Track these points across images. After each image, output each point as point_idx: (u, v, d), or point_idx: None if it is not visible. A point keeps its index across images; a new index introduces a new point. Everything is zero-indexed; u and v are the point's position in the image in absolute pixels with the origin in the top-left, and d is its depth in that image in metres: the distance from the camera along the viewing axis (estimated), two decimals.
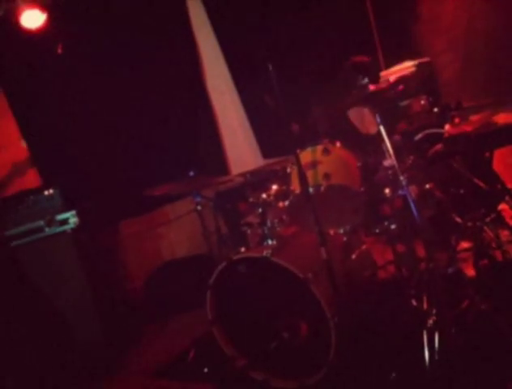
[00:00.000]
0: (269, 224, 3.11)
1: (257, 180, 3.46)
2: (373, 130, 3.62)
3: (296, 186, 3.03)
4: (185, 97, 4.79)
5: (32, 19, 4.13)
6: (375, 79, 3.58)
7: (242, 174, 3.65)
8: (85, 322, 3.70)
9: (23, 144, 4.50)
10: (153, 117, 4.74)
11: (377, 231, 3.12)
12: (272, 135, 4.03)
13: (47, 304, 3.72)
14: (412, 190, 2.86)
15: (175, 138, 4.74)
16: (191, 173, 3.90)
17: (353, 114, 3.64)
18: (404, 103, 4.02)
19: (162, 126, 4.75)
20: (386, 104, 3.26)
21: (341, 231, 3.12)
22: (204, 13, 4.96)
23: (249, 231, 3.35)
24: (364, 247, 3.22)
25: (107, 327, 3.80)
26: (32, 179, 4.59)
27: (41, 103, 4.55)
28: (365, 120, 3.66)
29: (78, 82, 4.58)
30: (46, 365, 3.55)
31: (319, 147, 3.07)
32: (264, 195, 3.21)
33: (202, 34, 4.99)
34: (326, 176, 2.94)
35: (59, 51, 4.24)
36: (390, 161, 2.74)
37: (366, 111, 3.43)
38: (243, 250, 3.11)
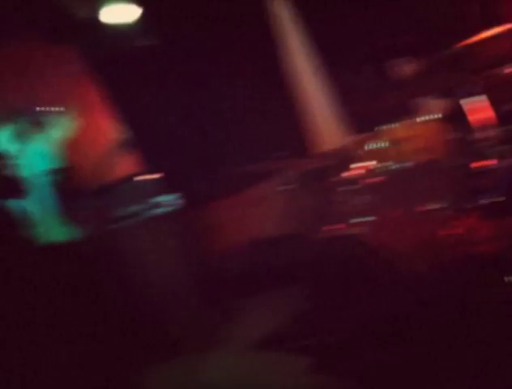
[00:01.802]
0: (358, 201, 3.15)
1: (343, 157, 3.49)
2: None
3: (385, 162, 3.03)
4: (268, 77, 4.84)
5: (120, 13, 4.37)
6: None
7: (328, 152, 3.69)
8: (186, 297, 3.93)
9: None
10: (237, 99, 4.85)
11: (473, 205, 3.04)
12: (358, 111, 4.01)
13: (145, 283, 3.99)
14: (508, 163, 2.78)
15: (260, 119, 4.82)
16: (277, 154, 4.00)
17: None
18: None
19: (246, 107, 4.85)
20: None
21: (435, 207, 3.08)
22: None
23: (338, 209, 3.38)
24: (458, 222, 3.16)
25: (203, 304, 4.01)
26: (131, 166, 4.90)
27: (133, 93, 4.81)
28: None
29: (165, 71, 4.79)
30: (146, 339, 3.85)
31: (408, 122, 3.04)
32: (351, 173, 3.24)
33: (283, 11, 5.00)
34: (417, 151, 2.92)
35: (150, 42, 4.44)
36: (486, 132, 2.67)
37: None
38: (333, 228, 3.16)
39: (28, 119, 4.21)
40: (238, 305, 4.37)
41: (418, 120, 3.14)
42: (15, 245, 3.34)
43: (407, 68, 3.64)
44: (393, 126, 3.13)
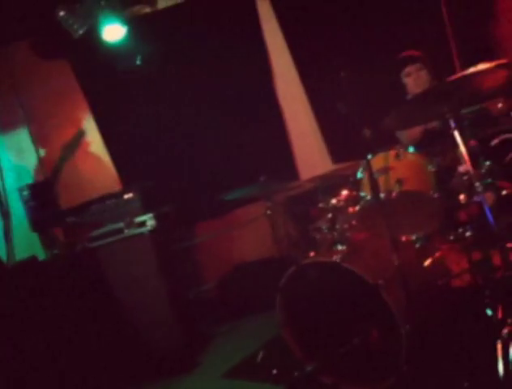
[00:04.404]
0: (339, 229, 3.12)
1: (327, 185, 3.48)
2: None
3: (367, 192, 3.02)
4: (256, 104, 4.88)
5: (113, 32, 4.39)
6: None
7: (312, 179, 3.68)
8: (160, 322, 3.86)
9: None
10: (225, 124, 4.88)
11: (452, 238, 3.03)
12: (343, 140, 4.02)
13: (123, 303, 3.92)
14: (489, 197, 2.78)
15: (247, 144, 4.84)
16: (262, 178, 3.98)
17: None
18: (479, 106, 3.90)
19: (234, 131, 4.87)
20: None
21: (414, 237, 3.08)
22: (275, 19, 5.03)
23: (318, 236, 3.36)
24: (438, 254, 3.15)
25: (181, 327, 3.94)
26: (113, 183, 4.88)
27: (122, 112, 4.83)
28: None
29: (155, 91, 4.82)
30: (120, 363, 3.76)
31: (391, 152, 3.04)
32: (334, 200, 3.22)
33: (272, 40, 5.06)
34: (399, 181, 2.91)
35: (138, 62, 4.47)
36: (465, 167, 2.68)
37: None
38: (313, 254, 3.14)
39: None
40: (215, 330, 4.32)
41: (405, 150, 3.14)
42: None
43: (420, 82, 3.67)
44: (379, 155, 3.13)
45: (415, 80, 3.65)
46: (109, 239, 3.89)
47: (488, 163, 2.89)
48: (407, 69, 3.68)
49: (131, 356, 3.85)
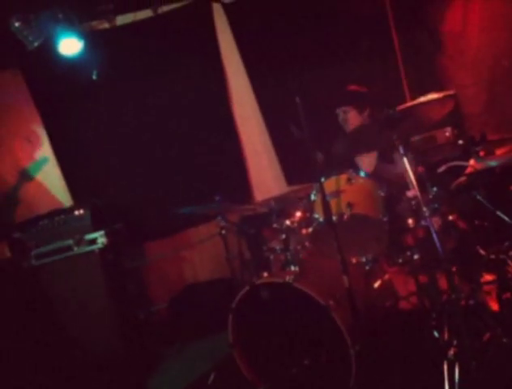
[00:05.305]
0: (292, 250, 3.15)
1: (281, 206, 3.51)
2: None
3: (319, 214, 3.07)
4: (211, 123, 4.91)
5: (69, 46, 4.33)
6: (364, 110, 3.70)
7: (266, 200, 3.72)
8: (108, 342, 3.77)
9: None
10: (181, 142, 4.87)
11: (400, 261, 3.12)
12: (297, 163, 4.09)
13: (71, 321, 3.80)
14: (435, 222, 2.87)
15: (202, 164, 4.84)
16: (217, 198, 3.98)
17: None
18: (428, 134, 4.07)
19: (189, 151, 4.87)
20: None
21: (363, 260, 3.14)
22: (232, 40, 5.09)
23: (272, 256, 3.38)
24: (386, 277, 3.23)
25: (129, 348, 3.85)
26: (63, 199, 4.75)
27: (75, 126, 4.75)
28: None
29: (109, 107, 4.77)
30: (64, 385, 3.62)
31: (343, 176, 3.11)
32: (288, 222, 3.26)
33: (230, 62, 5.12)
34: (350, 205, 2.97)
35: (94, 78, 4.41)
36: (413, 192, 2.78)
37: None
38: (265, 275, 3.14)
39: None
40: (165, 352, 4.24)
41: (356, 175, 3.21)
42: None
43: (350, 123, 3.77)
44: (332, 178, 3.19)
45: (342, 121, 3.79)
46: (57, 256, 3.77)
47: (435, 189, 3.00)
48: (336, 110, 3.81)
49: (77, 377, 3.73)
